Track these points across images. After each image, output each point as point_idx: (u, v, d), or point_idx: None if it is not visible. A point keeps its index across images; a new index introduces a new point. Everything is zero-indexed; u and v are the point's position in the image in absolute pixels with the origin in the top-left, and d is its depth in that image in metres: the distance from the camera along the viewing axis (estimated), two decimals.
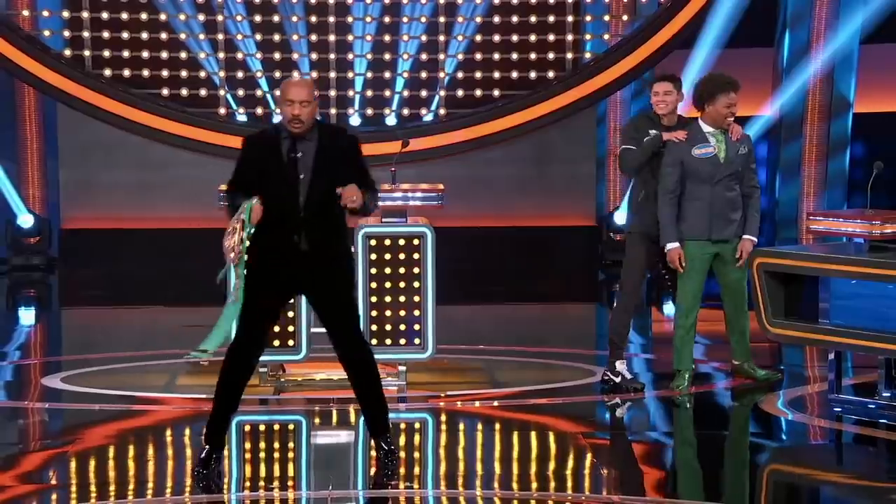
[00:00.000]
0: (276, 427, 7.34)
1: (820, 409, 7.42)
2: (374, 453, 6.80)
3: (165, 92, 12.47)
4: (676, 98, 7.84)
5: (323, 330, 7.98)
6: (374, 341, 7.94)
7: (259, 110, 12.57)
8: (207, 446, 6.12)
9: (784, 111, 13.15)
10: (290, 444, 7.03)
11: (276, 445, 6.96)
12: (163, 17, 12.44)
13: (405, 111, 12.57)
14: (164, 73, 12.46)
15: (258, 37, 12.50)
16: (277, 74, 12.51)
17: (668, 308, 11.79)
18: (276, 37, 12.52)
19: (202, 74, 12.51)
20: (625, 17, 12.68)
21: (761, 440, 6.99)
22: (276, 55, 12.53)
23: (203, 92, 12.52)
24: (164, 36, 12.46)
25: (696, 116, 7.76)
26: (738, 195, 7.57)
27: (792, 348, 8.61)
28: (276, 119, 12.61)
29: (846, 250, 7.36)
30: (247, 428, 7.22)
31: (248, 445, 6.92)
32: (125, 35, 12.40)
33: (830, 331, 7.13)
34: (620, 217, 13.04)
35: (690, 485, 6.25)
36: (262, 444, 6.96)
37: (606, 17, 12.71)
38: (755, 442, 6.94)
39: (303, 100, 6.10)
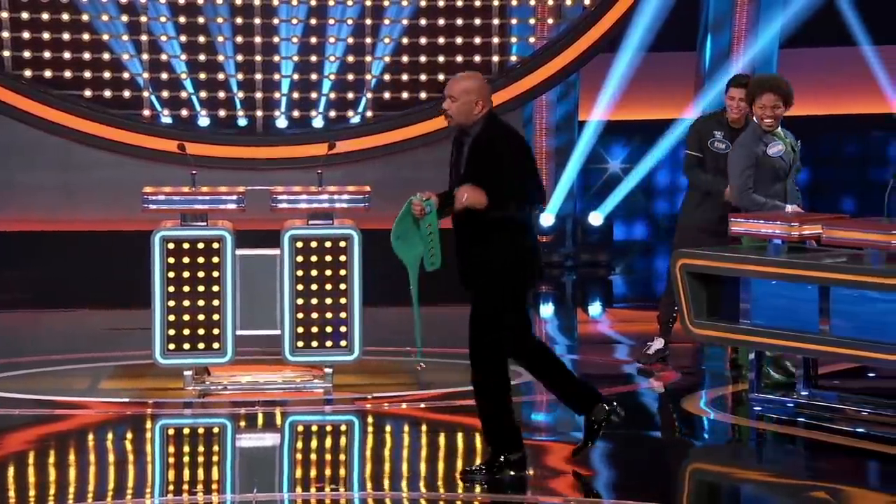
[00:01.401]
0: (201, 430, 7.29)
1: (740, 408, 7.52)
2: (298, 456, 6.78)
3: (88, 93, 12.32)
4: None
5: (248, 332, 7.98)
6: (300, 343, 7.93)
7: (184, 112, 12.48)
8: (510, 452, 6.03)
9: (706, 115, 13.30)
10: (215, 448, 6.98)
11: (201, 449, 6.92)
12: (85, 17, 12.30)
13: (332, 113, 12.54)
14: (87, 74, 12.32)
15: (183, 38, 12.41)
16: (202, 76, 12.43)
17: (594, 309, 11.88)
18: (202, 38, 12.43)
19: (126, 76, 12.39)
20: (550, 21, 12.77)
21: (684, 439, 7.08)
22: (202, 57, 12.44)
23: (127, 93, 12.40)
24: (86, 37, 12.32)
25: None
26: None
27: (714, 348, 8.72)
28: (202, 122, 12.52)
29: (765, 251, 7.48)
30: (170, 431, 7.17)
31: (171, 449, 6.87)
32: (46, 36, 12.24)
33: (751, 331, 7.23)
34: (547, 219, 13.14)
35: (613, 484, 6.31)
36: (186, 448, 6.90)
37: (532, 21, 12.79)
38: (677, 441, 7.02)
39: (450, 94, 6.16)
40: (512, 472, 6.04)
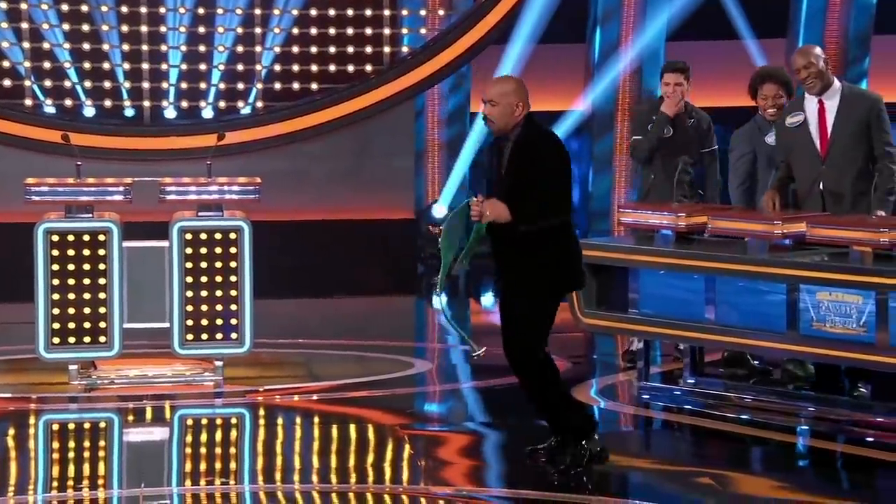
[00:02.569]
0: (87, 425, 7.16)
1: (630, 396, 7.63)
2: (188, 450, 6.71)
3: None
4: (685, 88, 7.86)
5: (136, 325, 7.85)
6: (189, 336, 7.83)
7: (68, 102, 12.22)
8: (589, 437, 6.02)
9: (596, 106, 13.47)
10: (101, 443, 6.87)
11: (87, 444, 6.80)
12: None
13: (222, 104, 12.40)
14: None
15: (66, 27, 12.15)
16: (87, 66, 12.18)
17: (486, 300, 11.96)
18: (86, 27, 12.19)
19: (6, 64, 12.09)
20: (441, 12, 12.79)
21: None
22: (86, 46, 12.20)
23: (7, 82, 12.10)
24: None
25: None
26: None
27: (604, 338, 8.84)
28: (87, 112, 12.28)
29: (654, 242, 7.59)
30: (55, 427, 7.03)
31: (56, 445, 6.74)
32: None
33: (639, 320, 7.34)
34: (439, 210, 13.17)
35: (504, 474, 6.35)
36: (72, 443, 6.78)
37: (423, 12, 12.79)
38: None
39: (489, 98, 5.97)
40: (595, 457, 6.05)
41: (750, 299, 6.92)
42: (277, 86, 12.42)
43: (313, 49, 12.49)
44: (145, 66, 12.27)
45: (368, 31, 12.56)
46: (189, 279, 7.82)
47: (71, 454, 6.57)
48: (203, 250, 7.86)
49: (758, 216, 7.14)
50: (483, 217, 5.91)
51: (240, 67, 12.42)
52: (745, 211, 7.54)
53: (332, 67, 12.55)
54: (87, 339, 7.71)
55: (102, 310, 7.72)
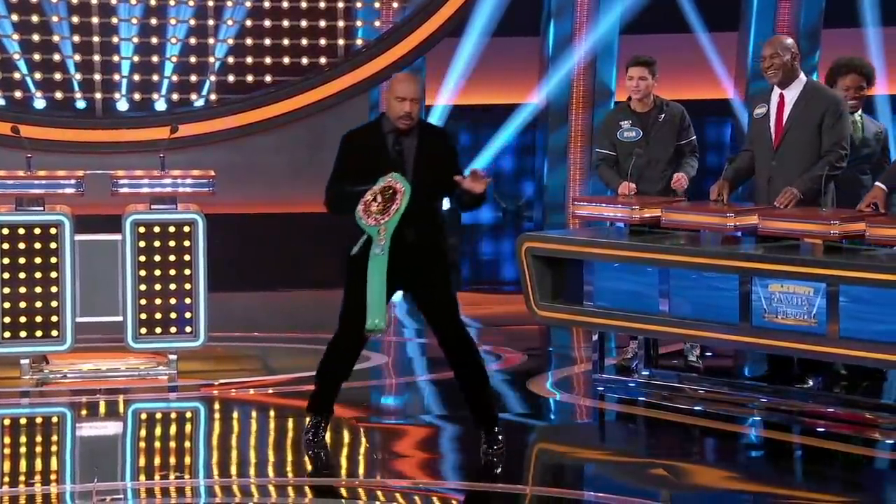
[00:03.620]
0: (39, 420, 7.10)
1: (585, 388, 7.67)
2: (142, 444, 6.67)
3: None
4: (651, 82, 7.61)
5: (89, 319, 7.80)
6: (143, 330, 7.79)
7: (18, 94, 12.10)
8: (313, 415, 6.18)
9: (550, 99, 13.51)
10: (54, 437, 6.81)
11: (39, 439, 6.74)
12: None
13: (175, 96, 12.32)
14: None
15: (15, 17, 12.02)
16: (37, 57, 12.06)
17: None
18: (35, 18, 12.06)
19: None
20: (395, 4, 12.77)
21: (529, 420, 7.19)
22: (35, 37, 12.08)
23: None
24: None
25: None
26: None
27: (559, 330, 8.88)
28: (37, 104, 12.16)
29: (608, 234, 7.63)
30: (6, 422, 6.96)
31: (7, 440, 6.67)
32: None
33: (594, 312, 7.37)
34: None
35: (463, 467, 6.37)
36: (24, 439, 6.72)
37: (377, 4, 12.77)
38: (524, 423, 7.13)
39: (414, 97, 6.01)
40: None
41: (702, 291, 6.97)
42: (231, 78, 12.36)
43: (267, 41, 12.45)
44: (97, 58, 12.17)
45: (322, 23, 12.53)
46: (142, 272, 7.78)
47: (23, 449, 6.51)
48: (157, 243, 7.81)
49: (710, 209, 7.19)
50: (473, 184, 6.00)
51: (193, 59, 12.35)
52: (698, 203, 7.59)
53: (286, 60, 12.51)
54: (38, 334, 7.64)
55: (54, 303, 7.66)
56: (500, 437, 6.18)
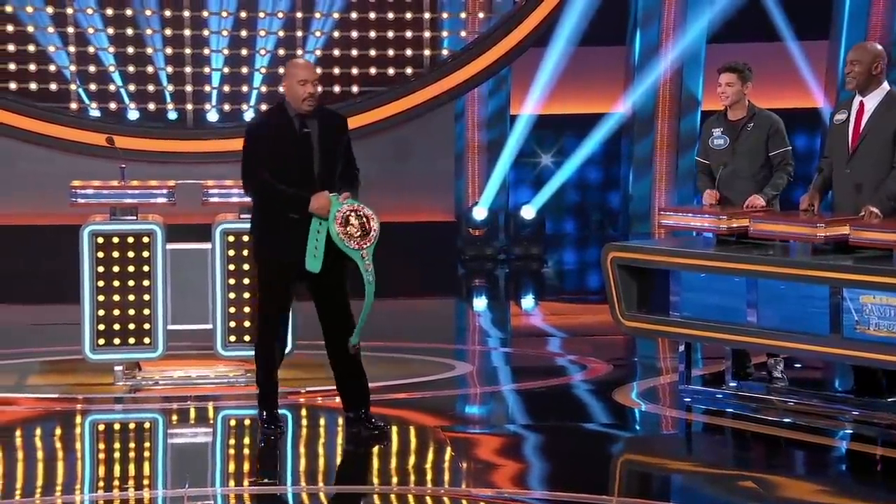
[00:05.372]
0: (132, 426, 7.24)
1: (671, 399, 7.62)
2: (231, 451, 6.76)
3: (13, 86, 12.15)
4: (740, 89, 7.42)
5: (179, 327, 7.92)
6: (232, 338, 7.89)
7: (113, 105, 12.35)
8: (267, 410, 6.54)
9: (636, 108, 13.46)
10: (146, 443, 6.93)
11: (132, 444, 6.87)
12: (8, 9, 12.12)
13: (263, 107, 12.49)
14: (12, 66, 12.14)
15: (111, 30, 12.27)
16: (131, 69, 12.30)
17: (526, 302, 11.96)
18: (130, 31, 12.31)
19: (52, 68, 12.24)
20: (481, 15, 12.82)
21: (615, 431, 7.16)
22: (130, 49, 12.32)
23: (53, 86, 12.25)
24: (10, 28, 12.14)
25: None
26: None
27: (644, 340, 8.82)
28: (131, 115, 12.39)
29: (695, 245, 7.57)
30: (101, 427, 7.10)
31: (102, 445, 6.81)
32: None
33: (680, 323, 7.32)
34: (479, 212, 13.19)
35: (548, 477, 6.36)
36: (117, 444, 6.85)
37: (463, 15, 12.82)
38: (609, 433, 7.10)
39: (315, 79, 6.33)
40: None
41: (791, 301, 6.88)
42: (318, 88, 12.50)
43: (354, 52, 12.57)
44: (188, 69, 12.38)
45: (409, 34, 12.61)
46: (231, 281, 7.88)
47: (116, 454, 6.64)
48: (246, 252, 7.91)
49: (800, 219, 7.11)
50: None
51: (281, 70, 12.50)
52: (787, 213, 7.50)
53: (373, 70, 12.61)
54: (131, 341, 7.78)
55: (147, 311, 7.79)
56: (374, 422, 6.55)
